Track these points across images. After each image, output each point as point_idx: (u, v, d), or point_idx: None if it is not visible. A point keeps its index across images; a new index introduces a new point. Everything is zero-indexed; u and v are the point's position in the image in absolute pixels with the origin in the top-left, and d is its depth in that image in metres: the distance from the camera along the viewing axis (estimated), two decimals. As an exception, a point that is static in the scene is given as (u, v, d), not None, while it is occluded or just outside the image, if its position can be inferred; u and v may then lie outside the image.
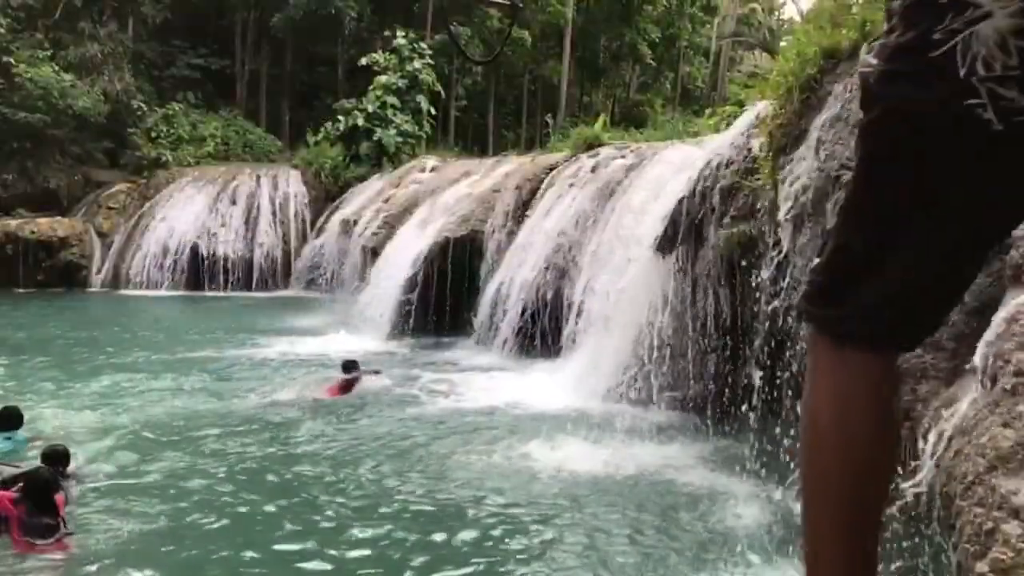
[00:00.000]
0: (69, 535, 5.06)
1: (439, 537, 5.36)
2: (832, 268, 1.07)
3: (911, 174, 0.97)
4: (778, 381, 6.93)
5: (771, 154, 6.25)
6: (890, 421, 1.09)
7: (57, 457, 5.85)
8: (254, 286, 22.36)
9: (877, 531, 1.08)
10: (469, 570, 4.89)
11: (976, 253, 1.03)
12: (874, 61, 0.97)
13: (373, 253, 16.29)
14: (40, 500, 5.09)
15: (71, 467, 6.01)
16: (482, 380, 10.38)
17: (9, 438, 6.63)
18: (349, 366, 9.88)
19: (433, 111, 25.24)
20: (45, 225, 21.99)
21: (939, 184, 0.95)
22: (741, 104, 9.95)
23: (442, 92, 26.70)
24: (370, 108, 23.38)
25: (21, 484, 5.16)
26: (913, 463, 3.57)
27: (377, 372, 10.26)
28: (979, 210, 0.96)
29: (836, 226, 1.09)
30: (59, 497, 5.22)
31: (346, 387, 9.54)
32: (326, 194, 23.46)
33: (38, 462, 5.80)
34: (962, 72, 0.88)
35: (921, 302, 1.03)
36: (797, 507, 4.42)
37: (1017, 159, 0.92)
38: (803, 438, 1.10)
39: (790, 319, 6.31)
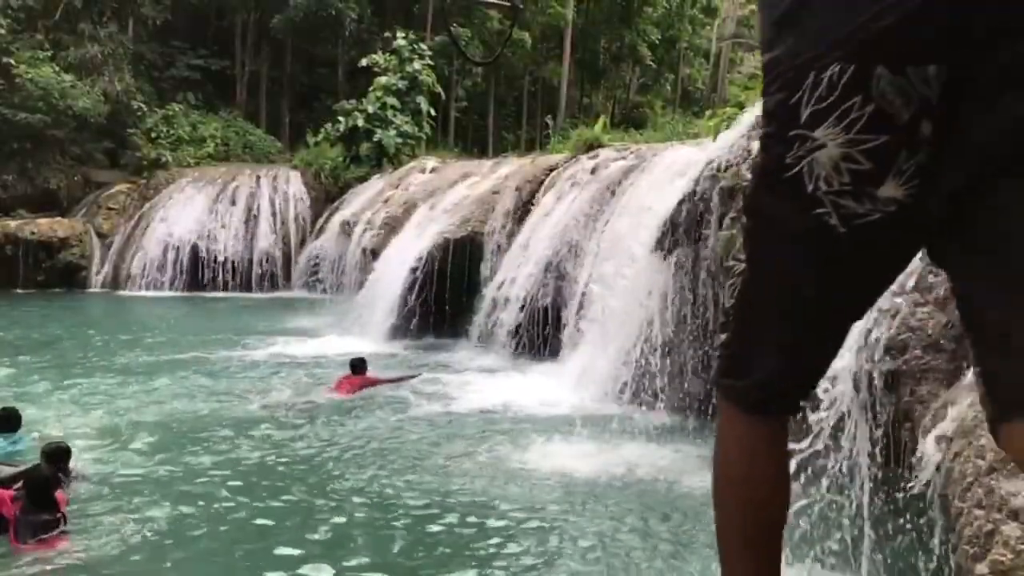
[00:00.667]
0: (64, 533, 5.06)
1: (437, 539, 5.36)
2: (732, 347, 1.34)
3: (778, 277, 1.23)
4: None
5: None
6: (785, 466, 1.36)
7: (58, 454, 5.84)
8: (254, 287, 22.36)
9: (777, 551, 1.35)
10: (467, 573, 4.89)
11: (828, 348, 1.30)
12: (749, 177, 1.20)
13: (373, 254, 16.29)
14: (39, 498, 5.08)
15: (72, 464, 6.01)
16: (481, 381, 10.38)
17: (15, 441, 6.59)
18: (357, 365, 9.88)
19: (433, 112, 25.24)
20: (45, 226, 22.00)
21: (797, 288, 1.21)
22: (741, 106, 9.95)
23: (442, 93, 26.69)
24: (370, 109, 23.37)
25: (21, 483, 5.16)
26: (913, 464, 3.57)
27: (415, 376, 10.28)
28: (826, 313, 1.23)
29: (734, 310, 1.35)
30: (60, 495, 5.22)
31: (353, 386, 9.55)
32: (326, 195, 23.47)
33: (38, 460, 5.80)
34: (810, 188, 1.10)
35: (796, 379, 1.31)
36: (791, 507, 4.42)
37: (855, 265, 1.16)
38: (714, 480, 1.36)
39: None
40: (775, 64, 1.11)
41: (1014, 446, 1.15)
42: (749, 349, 1.30)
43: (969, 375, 3.39)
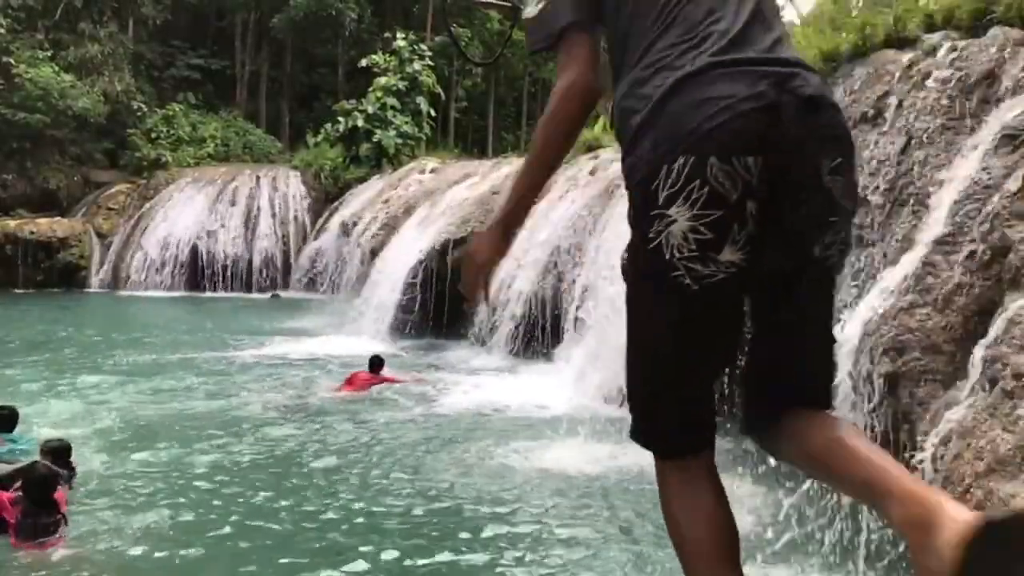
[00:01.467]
0: (58, 538, 5.06)
1: (434, 540, 5.35)
2: (632, 404, 1.58)
3: (644, 344, 1.48)
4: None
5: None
6: (715, 496, 1.54)
7: (60, 452, 5.82)
8: (253, 287, 22.35)
9: (730, 566, 1.55)
10: (466, 573, 4.89)
11: (691, 405, 1.52)
12: (625, 254, 1.51)
13: (372, 254, 16.29)
14: (39, 498, 5.07)
15: (73, 462, 6.00)
16: (480, 381, 10.38)
17: (25, 443, 6.54)
18: (375, 362, 9.91)
19: (433, 113, 25.24)
20: (44, 225, 22.00)
21: (655, 351, 1.46)
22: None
23: (442, 94, 26.68)
24: (370, 109, 23.36)
25: (20, 483, 5.15)
26: (912, 466, 3.57)
27: (420, 379, 10.30)
28: (683, 371, 1.47)
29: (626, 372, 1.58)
30: (60, 494, 5.21)
31: (364, 382, 9.61)
32: (326, 195, 23.46)
33: (35, 457, 5.79)
34: (667, 256, 1.37)
35: (678, 431, 1.52)
36: (796, 509, 4.43)
37: (705, 323, 1.42)
38: (663, 513, 1.58)
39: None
40: (637, 160, 1.42)
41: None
42: (644, 401, 1.56)
43: (968, 377, 3.39)
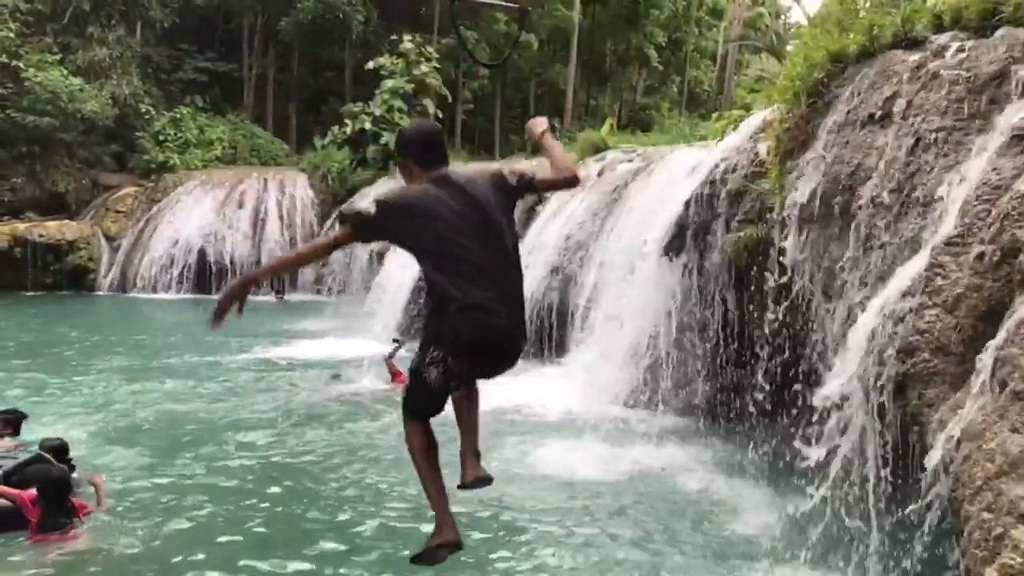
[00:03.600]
0: (72, 535, 5.15)
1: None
2: (406, 404, 3.04)
3: (420, 394, 2.97)
4: (785, 387, 6.90)
5: (778, 158, 6.25)
6: (429, 430, 3.01)
7: (57, 450, 5.88)
8: (261, 289, 22.38)
9: (437, 467, 3.06)
10: (471, 572, 4.89)
11: (434, 406, 3.00)
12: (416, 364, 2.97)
13: (379, 256, 16.30)
14: (55, 499, 5.19)
15: (71, 458, 6.05)
16: (486, 383, 10.35)
17: (33, 444, 6.57)
18: None
19: (440, 115, 25.26)
20: (53, 228, 22.10)
21: (424, 398, 2.98)
22: (747, 108, 9.93)
23: (449, 96, 26.71)
24: (377, 112, 23.40)
25: (38, 485, 5.25)
26: (922, 468, 3.55)
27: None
28: (429, 401, 2.99)
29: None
30: (80, 503, 5.34)
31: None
32: (333, 198, 23.49)
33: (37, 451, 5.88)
34: (429, 382, 2.90)
35: (426, 412, 3.01)
36: (800, 512, 4.40)
37: (438, 392, 2.94)
38: (406, 440, 3.04)
39: (797, 322, 6.29)
40: (424, 342, 2.91)
41: None
42: (412, 406, 3.01)
43: (977, 379, 3.37)
